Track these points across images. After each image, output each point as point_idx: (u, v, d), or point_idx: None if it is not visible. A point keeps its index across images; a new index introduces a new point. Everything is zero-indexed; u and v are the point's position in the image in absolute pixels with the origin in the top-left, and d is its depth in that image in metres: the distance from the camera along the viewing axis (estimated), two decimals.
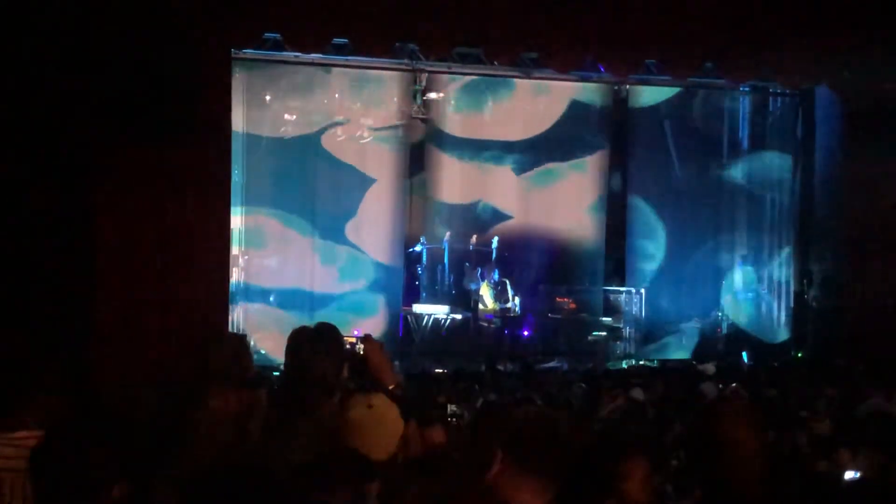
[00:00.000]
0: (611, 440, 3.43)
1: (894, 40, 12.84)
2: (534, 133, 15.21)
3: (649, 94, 15.48)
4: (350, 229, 14.44)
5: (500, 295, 14.53)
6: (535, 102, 15.18)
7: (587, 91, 15.30)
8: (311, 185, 14.30)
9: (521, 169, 15.18)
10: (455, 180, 15.00)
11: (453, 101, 15.01)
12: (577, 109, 15.28)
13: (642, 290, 15.00)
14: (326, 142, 14.43)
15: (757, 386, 10.05)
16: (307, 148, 14.34)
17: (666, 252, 15.51)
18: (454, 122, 15.00)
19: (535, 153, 15.22)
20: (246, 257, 13.84)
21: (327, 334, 3.75)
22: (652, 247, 15.52)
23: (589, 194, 15.42)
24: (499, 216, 15.17)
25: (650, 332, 15.01)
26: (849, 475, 4.79)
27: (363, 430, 3.26)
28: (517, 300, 14.56)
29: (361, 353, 3.87)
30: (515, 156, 15.18)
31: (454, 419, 4.02)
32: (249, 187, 13.86)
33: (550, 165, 15.30)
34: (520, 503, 2.48)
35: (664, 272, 15.46)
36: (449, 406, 3.97)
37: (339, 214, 14.40)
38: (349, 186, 14.48)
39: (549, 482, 2.53)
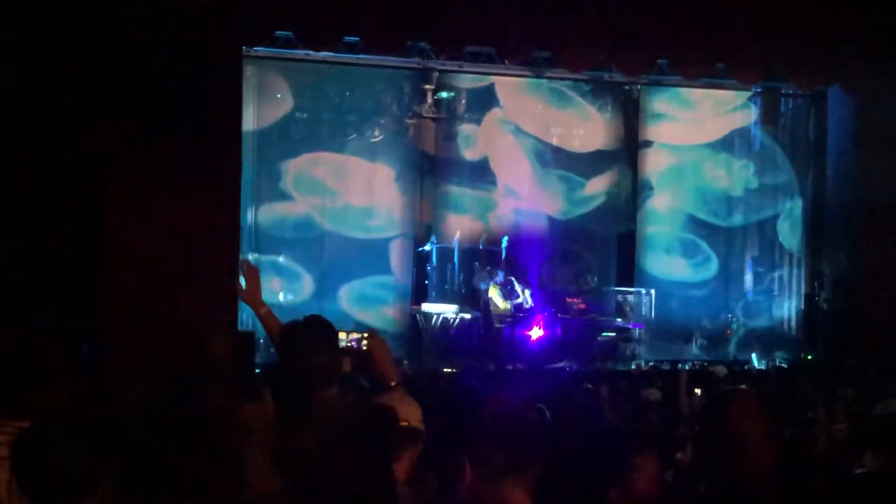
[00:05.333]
0: (623, 434, 3.43)
1: None
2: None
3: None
4: (361, 227, 14.47)
5: (510, 294, 14.50)
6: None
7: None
8: (322, 183, 14.34)
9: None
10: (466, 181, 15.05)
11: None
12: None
13: (652, 292, 14.95)
14: (337, 140, 14.47)
15: (768, 387, 10.02)
16: (318, 146, 14.38)
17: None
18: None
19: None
20: (256, 254, 13.86)
21: (318, 327, 3.74)
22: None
23: (598, 195, 15.44)
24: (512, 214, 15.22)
25: (660, 334, 14.96)
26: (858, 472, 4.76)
27: None
28: (528, 291, 14.50)
29: (365, 349, 3.87)
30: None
31: None
32: (261, 185, 13.91)
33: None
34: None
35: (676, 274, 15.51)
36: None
37: (349, 212, 14.45)
38: (360, 185, 14.52)
39: (527, 476, 2.49)
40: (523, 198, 15.23)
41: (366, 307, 14.36)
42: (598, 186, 15.43)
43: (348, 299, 14.33)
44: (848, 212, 14.59)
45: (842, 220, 14.76)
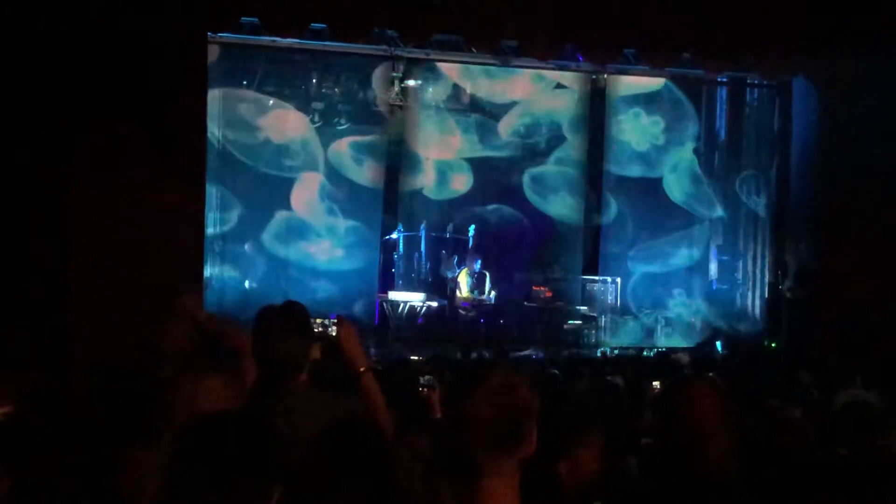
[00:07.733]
0: (571, 410, 3.52)
1: (872, 31, 12.90)
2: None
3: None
4: (326, 215, 14.45)
5: (477, 284, 14.54)
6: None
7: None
8: (287, 170, 14.30)
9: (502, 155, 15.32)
10: (432, 167, 15.04)
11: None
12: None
13: (618, 280, 15.04)
14: (304, 127, 14.41)
15: (731, 374, 10.07)
16: (283, 133, 14.32)
17: (641, 242, 15.64)
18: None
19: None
20: (221, 241, 13.81)
21: (292, 312, 3.73)
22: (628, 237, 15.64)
23: (567, 182, 15.48)
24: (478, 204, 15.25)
25: (625, 321, 15.06)
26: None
27: None
28: (493, 292, 14.57)
29: (334, 335, 3.86)
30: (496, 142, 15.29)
31: (425, 389, 4.03)
32: (224, 171, 13.83)
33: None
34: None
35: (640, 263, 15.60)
36: (422, 377, 3.97)
37: (315, 200, 14.41)
38: (326, 172, 14.49)
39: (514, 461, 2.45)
40: (488, 180, 15.32)
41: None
42: (562, 162, 15.51)
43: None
44: (811, 201, 14.71)
45: (806, 210, 14.88)
